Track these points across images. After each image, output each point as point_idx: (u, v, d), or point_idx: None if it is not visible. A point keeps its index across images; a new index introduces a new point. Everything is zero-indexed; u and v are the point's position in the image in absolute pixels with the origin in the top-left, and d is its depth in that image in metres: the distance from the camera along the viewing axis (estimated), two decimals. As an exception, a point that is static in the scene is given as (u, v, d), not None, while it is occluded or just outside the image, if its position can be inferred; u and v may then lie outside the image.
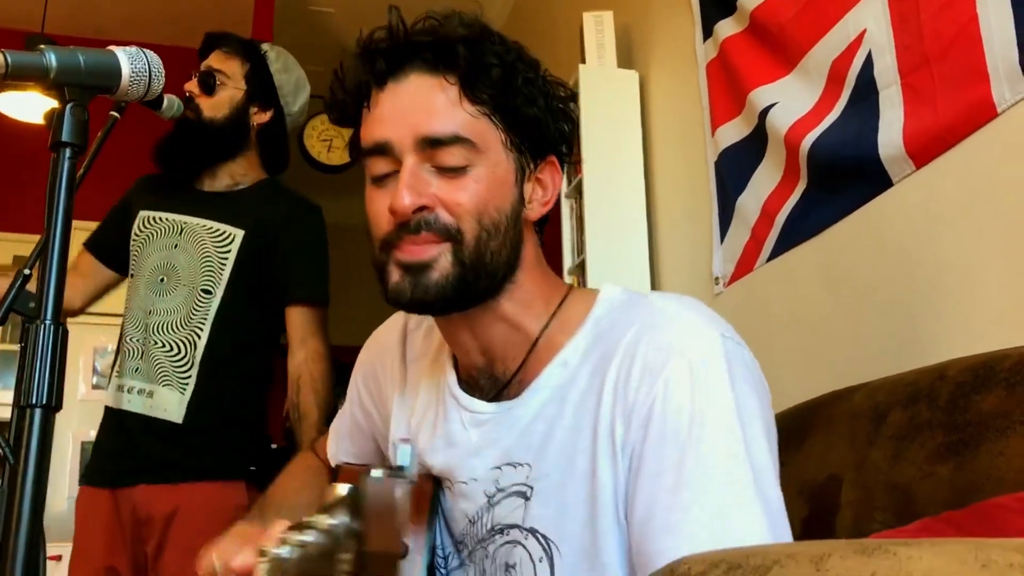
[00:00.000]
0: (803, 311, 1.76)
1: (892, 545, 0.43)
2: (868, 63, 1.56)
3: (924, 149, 1.42)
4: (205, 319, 2.00)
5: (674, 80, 2.42)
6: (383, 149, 0.94)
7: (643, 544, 0.83)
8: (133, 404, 1.97)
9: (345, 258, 4.80)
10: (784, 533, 0.83)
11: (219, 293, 2.02)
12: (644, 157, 2.48)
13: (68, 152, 0.70)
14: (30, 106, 3.18)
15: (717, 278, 2.09)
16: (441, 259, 0.92)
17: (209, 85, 2.08)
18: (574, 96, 1.07)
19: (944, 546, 0.42)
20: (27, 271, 1.70)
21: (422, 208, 0.92)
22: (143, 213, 2.11)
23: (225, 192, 2.13)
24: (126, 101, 0.89)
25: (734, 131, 2.04)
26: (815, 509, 1.26)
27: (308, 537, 0.53)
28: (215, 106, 2.08)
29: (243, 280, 2.04)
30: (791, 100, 1.80)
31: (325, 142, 4.38)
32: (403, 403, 1.12)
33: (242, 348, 2.06)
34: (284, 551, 0.56)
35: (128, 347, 2.01)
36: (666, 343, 0.89)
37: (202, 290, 2.02)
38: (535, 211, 1.00)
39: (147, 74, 0.81)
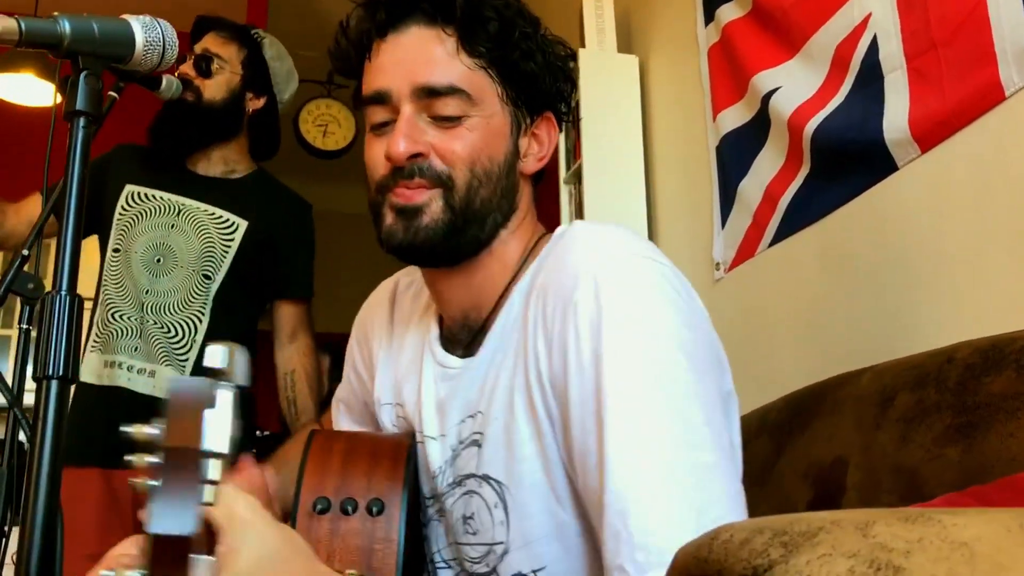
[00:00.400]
0: (805, 296, 1.76)
1: (936, 513, 0.43)
2: (873, 47, 1.55)
3: (930, 133, 1.41)
4: (205, 304, 2.00)
5: (674, 65, 2.41)
6: (381, 98, 0.97)
7: (585, 479, 0.83)
8: (135, 383, 1.96)
9: (338, 246, 4.80)
10: (713, 443, 0.81)
11: (218, 279, 2.02)
12: (644, 142, 2.47)
13: (82, 121, 0.69)
14: (25, 89, 3.15)
15: (718, 263, 2.09)
16: (432, 204, 0.94)
17: (207, 68, 2.07)
18: (573, 55, 1.08)
19: (989, 515, 0.41)
20: (25, 251, 1.69)
21: (417, 155, 0.94)
22: (131, 187, 2.09)
23: (222, 179, 2.13)
24: (137, 72, 0.88)
25: (736, 116, 2.04)
26: (820, 492, 1.26)
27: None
28: (214, 89, 2.07)
29: (242, 269, 2.06)
30: (794, 85, 1.79)
31: (320, 127, 4.36)
32: (388, 361, 1.14)
33: (237, 335, 2.07)
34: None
35: (122, 324, 2.00)
36: (575, 266, 0.89)
37: (203, 275, 2.02)
38: (530, 165, 1.02)
39: (161, 44, 0.80)
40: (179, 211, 2.06)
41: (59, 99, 1.84)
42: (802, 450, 1.33)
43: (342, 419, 1.26)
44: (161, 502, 0.40)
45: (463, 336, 1.03)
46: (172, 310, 1.99)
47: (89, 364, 2.02)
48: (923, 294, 1.43)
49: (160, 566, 0.41)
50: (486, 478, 0.94)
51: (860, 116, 1.57)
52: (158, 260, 2.02)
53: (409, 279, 1.18)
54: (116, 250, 2.07)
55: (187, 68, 2.07)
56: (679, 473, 0.77)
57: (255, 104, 2.16)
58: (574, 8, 2.71)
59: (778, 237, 1.84)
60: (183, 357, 1.97)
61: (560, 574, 0.88)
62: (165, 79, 1.92)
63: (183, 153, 2.11)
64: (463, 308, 1.02)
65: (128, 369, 1.97)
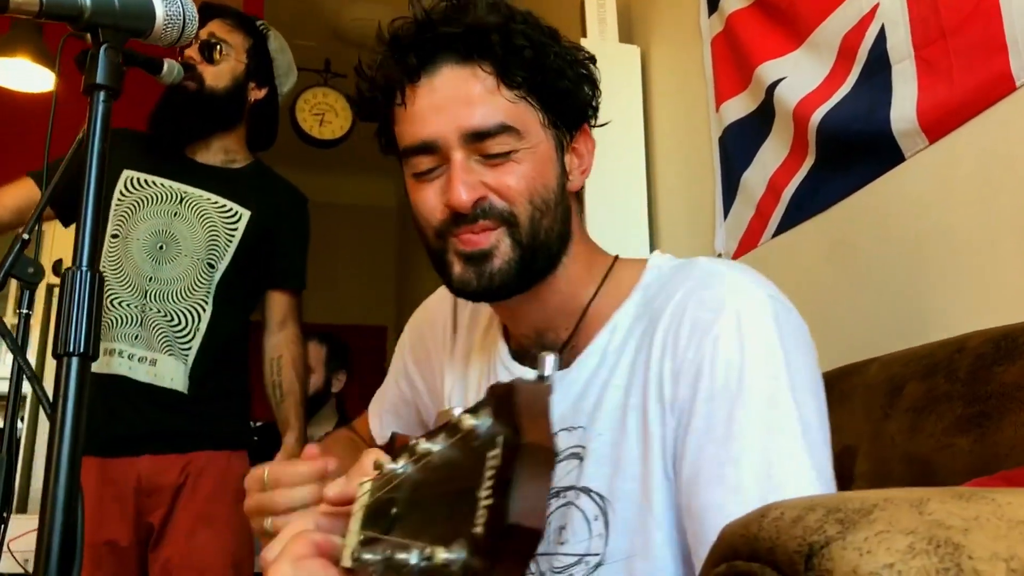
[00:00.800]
0: (810, 287, 1.76)
1: (988, 492, 0.42)
2: (881, 37, 1.55)
3: (938, 123, 1.41)
4: (209, 292, 2.00)
5: (677, 55, 2.41)
6: (428, 147, 0.95)
7: (692, 499, 0.83)
8: (135, 372, 1.95)
9: (334, 237, 4.77)
10: (832, 487, 0.83)
11: (221, 268, 2.03)
12: (645, 133, 2.46)
13: (102, 95, 0.68)
14: (20, 74, 3.12)
15: (720, 254, 2.09)
16: (500, 244, 0.94)
17: (212, 54, 2.06)
18: (593, 58, 1.06)
19: (1043, 494, 0.41)
20: (25, 236, 1.67)
21: (478, 199, 0.93)
22: (129, 172, 2.08)
23: (222, 168, 2.12)
24: (139, 56, 0.87)
25: (740, 106, 2.03)
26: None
27: (435, 445, 0.47)
28: (217, 75, 2.06)
29: (244, 259, 2.07)
30: (800, 75, 1.79)
31: (317, 116, 4.34)
32: (455, 376, 1.12)
33: (237, 323, 2.08)
34: (399, 466, 0.52)
35: (122, 312, 1.99)
36: (715, 301, 0.90)
37: (207, 263, 2.01)
38: (576, 181, 1.02)
39: (181, 18, 0.79)
40: (181, 199, 2.05)
41: (57, 83, 1.83)
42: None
43: (386, 429, 1.25)
44: (523, 492, 0.38)
45: (537, 353, 1.02)
46: (176, 298, 1.99)
47: None
48: (930, 285, 1.43)
49: (505, 555, 0.39)
50: (586, 491, 0.94)
51: (867, 106, 1.56)
52: (160, 247, 2.02)
53: None
54: (115, 236, 2.06)
55: (192, 52, 2.06)
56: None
57: (257, 95, 2.16)
58: (575, -2, 2.70)
59: (782, 228, 1.84)
60: (186, 346, 1.96)
61: None
62: (167, 63, 1.90)
63: (184, 141, 2.10)
64: (536, 327, 1.02)
65: (128, 357, 1.96)
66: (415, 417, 1.22)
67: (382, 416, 1.26)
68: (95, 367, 1.96)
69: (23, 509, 3.49)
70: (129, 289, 2.00)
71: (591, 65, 1.04)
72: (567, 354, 1.00)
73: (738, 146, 2.03)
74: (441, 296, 1.21)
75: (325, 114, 4.36)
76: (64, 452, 0.56)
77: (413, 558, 0.43)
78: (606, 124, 1.08)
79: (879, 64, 1.54)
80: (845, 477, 1.22)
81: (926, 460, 1.10)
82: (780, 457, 0.80)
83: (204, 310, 1.99)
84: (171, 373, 1.94)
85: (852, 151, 1.61)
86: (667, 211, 2.40)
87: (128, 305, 1.98)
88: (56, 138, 1.65)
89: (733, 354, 0.86)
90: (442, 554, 0.40)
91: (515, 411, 0.40)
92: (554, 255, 0.98)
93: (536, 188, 0.95)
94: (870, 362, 1.30)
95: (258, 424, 3.63)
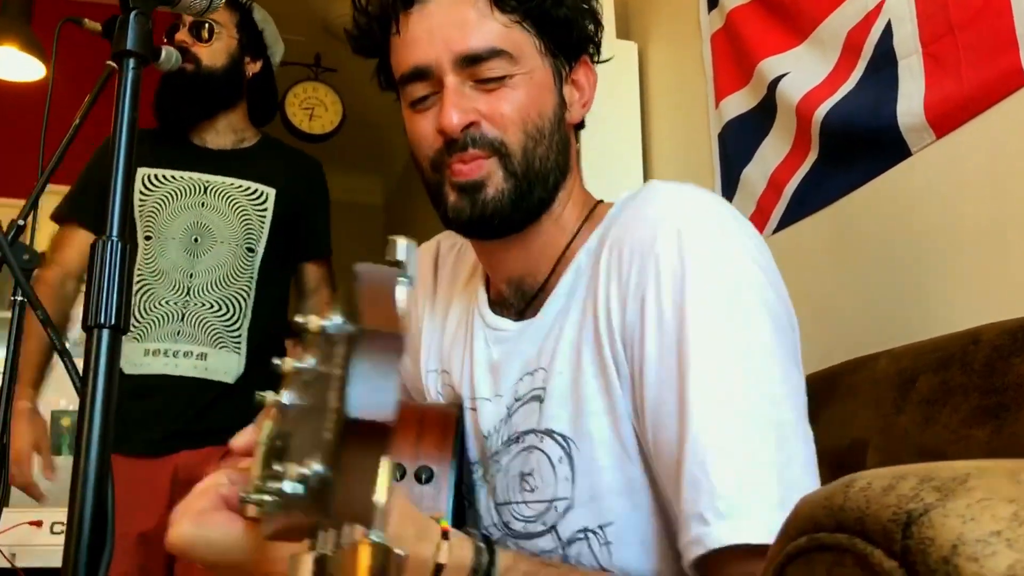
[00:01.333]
0: (812, 282, 1.75)
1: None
2: (887, 33, 1.55)
3: (946, 118, 1.41)
4: (252, 277, 1.99)
5: (675, 52, 2.40)
6: (421, 73, 0.94)
7: (657, 432, 0.81)
8: (179, 368, 1.92)
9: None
10: (786, 406, 0.81)
11: (260, 251, 2.01)
12: (642, 130, 2.46)
13: (132, 62, 0.67)
14: (7, 63, 3.07)
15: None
16: (493, 175, 0.92)
17: (204, 33, 2.03)
18: None
19: None
20: (21, 222, 1.64)
21: (469, 125, 0.92)
22: (144, 171, 2.05)
23: (234, 149, 2.10)
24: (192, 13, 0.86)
25: (740, 102, 2.03)
26: (839, 474, 1.25)
27: (302, 363, 0.43)
28: (213, 55, 2.04)
29: (278, 237, 2.07)
30: (803, 70, 1.78)
31: (307, 110, 4.31)
32: (433, 327, 1.11)
33: (279, 304, 2.08)
34: (284, 396, 0.47)
35: (161, 311, 1.96)
36: (655, 216, 0.87)
37: (247, 248, 2.00)
38: (576, 113, 1.01)
39: (211, -15, 0.77)
40: (205, 188, 2.04)
41: (48, 72, 1.80)
42: (817, 435, 1.32)
43: None
44: (359, 385, 0.34)
45: (515, 300, 1.01)
46: (219, 286, 1.97)
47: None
48: (936, 280, 1.43)
49: (352, 456, 0.35)
50: (549, 432, 0.91)
51: (872, 101, 1.56)
52: (196, 240, 2.00)
53: (450, 242, 1.16)
54: (148, 237, 2.04)
55: (183, 35, 2.03)
56: (761, 428, 0.77)
57: (253, 68, 2.15)
58: (572, -7, 2.69)
59: (783, 223, 1.83)
60: (236, 333, 1.95)
61: (627, 529, 0.86)
62: (164, 50, 1.88)
63: (189, 125, 2.08)
64: (519, 274, 1.01)
65: (172, 355, 1.93)
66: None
67: None
68: (132, 369, 1.92)
69: (5, 503, 3.44)
70: (169, 288, 1.98)
71: (592, 1, 1.03)
72: (538, 300, 0.98)
73: (738, 142, 2.03)
74: (423, 250, 1.20)
75: (315, 108, 4.33)
76: (95, 429, 0.54)
77: (286, 486, 0.41)
78: (609, 60, 1.07)
79: (885, 60, 1.54)
80: (857, 470, 1.21)
81: (941, 452, 1.09)
82: (736, 383, 0.79)
83: (248, 295, 1.97)
84: (225, 366, 1.92)
85: (857, 146, 1.61)
86: (664, 207, 2.39)
87: (168, 303, 1.96)
88: (52, 127, 1.63)
89: (675, 270, 0.83)
90: (296, 470, 0.37)
91: (356, 298, 0.37)
92: (551, 187, 0.96)
93: (530, 115, 0.93)
94: (878, 356, 1.29)
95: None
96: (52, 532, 2.61)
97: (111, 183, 0.60)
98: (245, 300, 1.97)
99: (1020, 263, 1.28)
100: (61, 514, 2.65)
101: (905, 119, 1.48)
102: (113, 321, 0.57)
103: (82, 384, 0.55)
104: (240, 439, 0.63)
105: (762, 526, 0.70)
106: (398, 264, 0.39)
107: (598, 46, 1.04)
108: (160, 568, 1.90)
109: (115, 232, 0.59)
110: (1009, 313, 1.16)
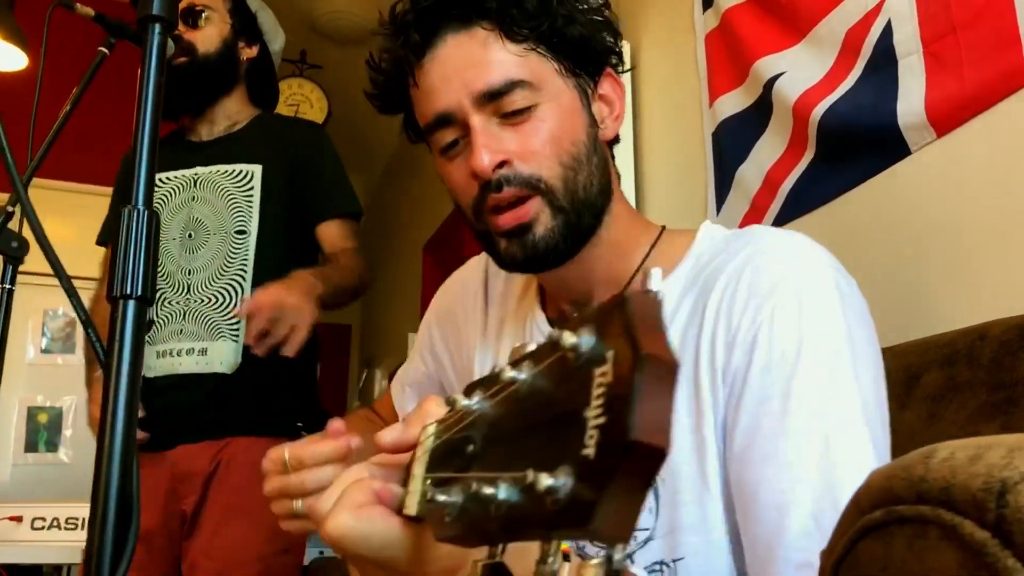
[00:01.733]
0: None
1: None
2: (887, 32, 1.55)
3: (948, 117, 1.41)
4: (246, 261, 1.93)
5: (668, 51, 2.40)
6: (445, 119, 0.93)
7: (743, 472, 0.80)
8: (182, 366, 1.89)
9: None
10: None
11: (253, 232, 1.95)
12: (634, 129, 2.46)
13: (158, 27, 0.65)
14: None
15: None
16: (540, 215, 0.90)
17: (196, 20, 2.00)
18: (607, 2, 1.04)
19: None
20: (10, 208, 1.61)
21: (501, 164, 0.90)
22: None
23: (225, 136, 2.07)
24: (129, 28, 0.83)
25: (735, 101, 2.03)
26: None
27: (521, 373, 0.42)
28: (206, 41, 2.00)
29: (272, 214, 1.99)
30: (801, 69, 1.78)
31: (292, 107, 4.28)
32: (486, 347, 1.09)
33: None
34: (474, 401, 0.46)
35: (166, 311, 1.93)
36: (774, 268, 0.86)
37: (236, 232, 1.95)
38: (609, 129, 0.99)
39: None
40: (194, 182, 2.01)
41: (27, 61, 1.77)
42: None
43: (409, 405, 1.21)
44: (644, 409, 0.34)
45: None
46: (214, 279, 1.93)
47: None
48: (937, 278, 1.43)
49: (624, 477, 0.34)
50: None
51: (872, 100, 1.56)
52: (190, 235, 1.97)
53: None
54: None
55: None
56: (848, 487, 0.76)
57: (249, 53, 2.12)
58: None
59: (779, 222, 1.83)
60: (233, 322, 1.91)
61: (698, 566, 0.85)
62: (157, 39, 1.86)
63: (185, 115, 2.05)
64: (576, 295, 0.99)
65: (176, 354, 1.90)
66: (438, 393, 1.18)
67: (404, 390, 1.22)
68: (145, 372, 1.88)
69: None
70: (172, 288, 1.94)
71: (606, 10, 1.00)
72: None
73: (733, 141, 2.02)
74: (472, 267, 1.18)
75: (300, 105, 4.30)
76: (121, 401, 0.52)
77: (502, 492, 0.39)
78: (631, 70, 1.05)
79: (885, 58, 1.54)
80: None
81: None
82: (837, 433, 0.78)
83: (244, 280, 1.92)
84: (221, 356, 1.88)
85: (855, 145, 1.61)
86: (657, 205, 2.39)
87: (171, 303, 1.93)
88: (42, 118, 1.60)
89: (792, 324, 0.82)
90: (546, 480, 0.36)
91: (629, 322, 0.36)
92: (599, 211, 0.94)
93: (563, 145, 0.91)
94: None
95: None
96: (32, 528, 2.57)
97: (135, 151, 0.58)
98: (241, 286, 1.93)
99: (1021, 262, 1.28)
100: (43, 509, 2.60)
101: (905, 118, 1.48)
102: (140, 292, 0.55)
103: (107, 356, 0.53)
104: (391, 436, 0.61)
105: None
106: (655, 293, 0.38)
107: (620, 56, 1.02)
108: (160, 568, 1.86)
109: (140, 201, 0.57)
110: (1010, 312, 1.16)
